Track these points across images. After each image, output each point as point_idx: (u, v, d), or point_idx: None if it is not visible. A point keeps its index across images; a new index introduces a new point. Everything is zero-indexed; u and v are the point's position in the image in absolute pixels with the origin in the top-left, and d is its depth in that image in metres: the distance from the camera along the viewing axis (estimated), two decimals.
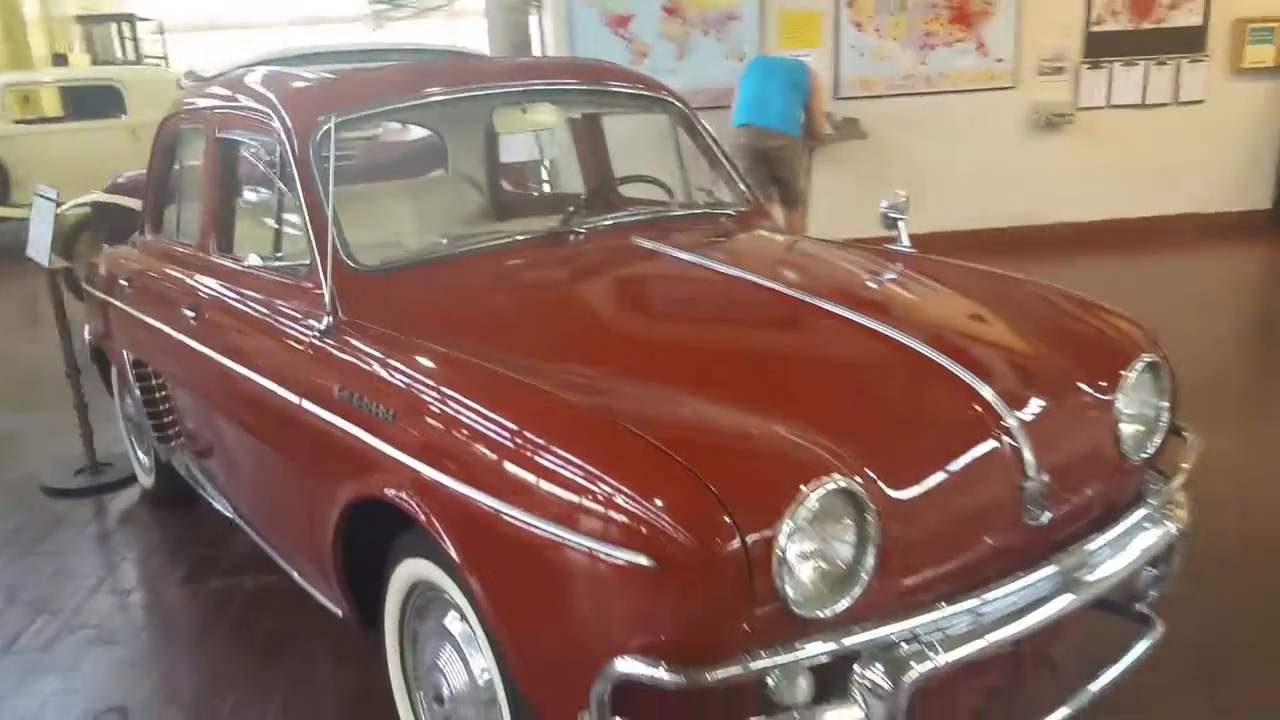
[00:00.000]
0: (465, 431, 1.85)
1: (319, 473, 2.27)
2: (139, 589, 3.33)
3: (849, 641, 1.61)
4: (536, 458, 1.71)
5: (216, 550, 3.51)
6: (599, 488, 1.61)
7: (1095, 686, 2.03)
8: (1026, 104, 8.01)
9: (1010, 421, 1.88)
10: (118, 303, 3.55)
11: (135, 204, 6.84)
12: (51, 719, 2.66)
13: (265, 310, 2.58)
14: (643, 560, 1.55)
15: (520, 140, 4.27)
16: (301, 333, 2.39)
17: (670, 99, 3.23)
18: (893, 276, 2.55)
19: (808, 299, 2.24)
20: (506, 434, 1.79)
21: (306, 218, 2.44)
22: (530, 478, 1.71)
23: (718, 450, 1.68)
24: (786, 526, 1.56)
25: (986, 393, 1.91)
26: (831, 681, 1.65)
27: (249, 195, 2.97)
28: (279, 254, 2.61)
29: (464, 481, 1.81)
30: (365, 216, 2.65)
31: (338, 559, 2.25)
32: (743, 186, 3.18)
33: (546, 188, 4.42)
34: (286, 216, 2.60)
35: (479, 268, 2.56)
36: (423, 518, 1.87)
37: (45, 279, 4.21)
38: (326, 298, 2.31)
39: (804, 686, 1.62)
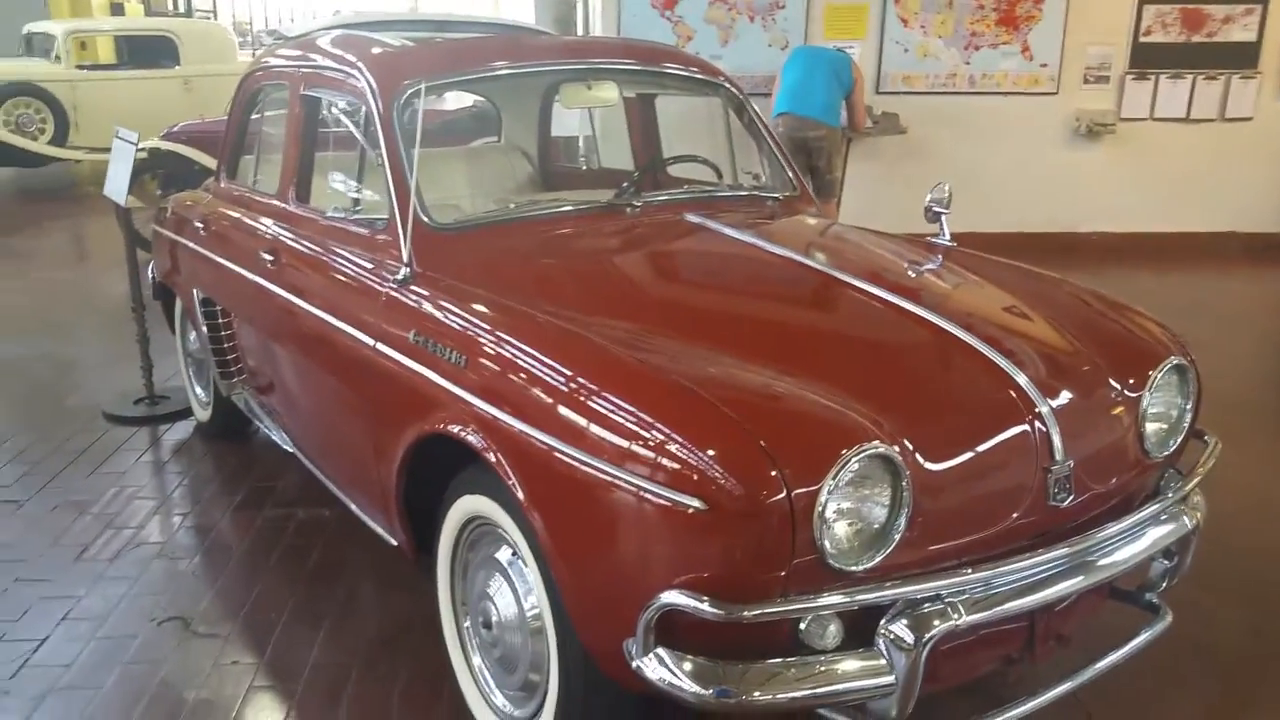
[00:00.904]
0: (535, 379, 2.02)
1: (388, 411, 2.45)
2: (196, 513, 3.53)
3: (878, 595, 1.77)
4: (602, 407, 1.88)
5: (269, 483, 3.72)
6: (661, 437, 1.77)
7: (1100, 665, 2.17)
8: (1068, 111, 8.01)
9: (1043, 409, 2.02)
10: (191, 244, 3.73)
11: (190, 152, 7.12)
12: (119, 620, 2.87)
13: (342, 258, 2.75)
14: (696, 504, 1.70)
15: (566, 117, 4.41)
16: (378, 281, 2.56)
17: (725, 84, 3.36)
18: (934, 266, 2.69)
19: (853, 281, 2.39)
20: (574, 384, 1.95)
21: (389, 175, 2.61)
22: (595, 425, 1.87)
23: (768, 410, 1.84)
24: (828, 485, 1.71)
25: (1021, 380, 2.05)
26: (858, 631, 1.81)
27: (330, 150, 3.13)
28: (357, 207, 2.77)
29: (531, 424, 1.97)
30: (428, 178, 2.81)
31: (399, 492, 2.43)
32: (790, 173, 3.32)
33: (593, 163, 4.55)
34: (366, 172, 2.77)
35: (543, 232, 2.73)
36: (492, 457, 2.04)
37: (119, 217, 4.41)
38: (405, 251, 2.47)
39: (833, 632, 1.78)
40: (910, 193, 7.39)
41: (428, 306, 2.37)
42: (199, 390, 4.19)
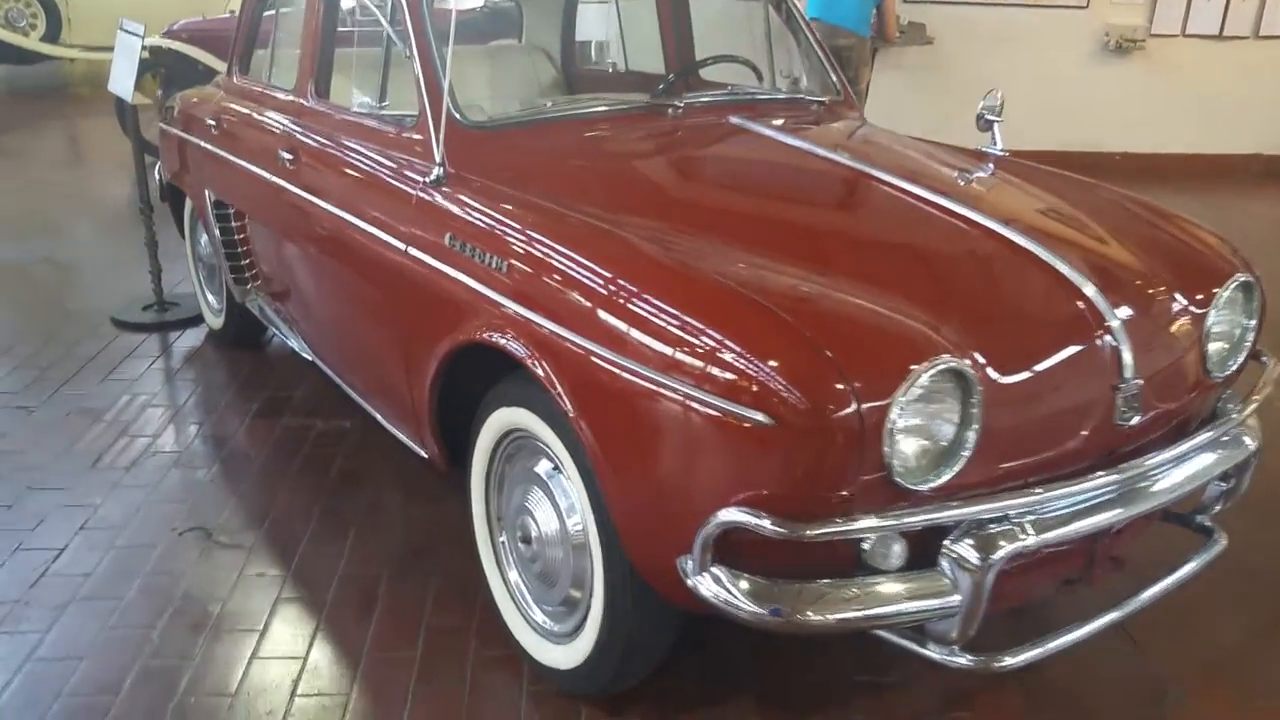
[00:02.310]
0: (584, 286, 1.91)
1: (420, 319, 2.34)
2: (212, 421, 3.45)
3: (948, 514, 1.69)
4: (657, 315, 1.77)
5: (286, 391, 3.63)
6: (722, 347, 1.67)
7: (1153, 591, 2.10)
8: (1098, 25, 7.79)
9: (1113, 322, 1.92)
10: (202, 142, 3.57)
11: (193, 51, 6.88)
12: (138, 529, 2.80)
13: (368, 158, 2.62)
14: (759, 417, 1.61)
15: (587, 19, 4.22)
16: (408, 182, 2.43)
17: None
18: (992, 175, 2.57)
19: (911, 188, 2.27)
20: (628, 292, 1.84)
21: (419, 69, 2.46)
22: (649, 334, 1.77)
23: (835, 320, 1.74)
24: (899, 400, 1.62)
25: (1091, 292, 1.95)
26: (920, 552, 1.74)
27: (353, 45, 2.96)
28: (383, 103, 2.63)
29: (580, 333, 1.87)
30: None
31: (433, 403, 2.34)
32: (834, 77, 3.17)
33: (619, 65, 4.38)
34: (392, 66, 2.62)
35: (582, 132, 2.59)
36: (538, 369, 1.94)
37: (124, 115, 4.26)
38: (437, 150, 2.34)
39: (898, 553, 1.71)
40: (935, 104, 7.20)
41: (464, 209, 2.25)
42: (210, 297, 4.07)
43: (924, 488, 1.69)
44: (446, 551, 2.69)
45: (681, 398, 1.71)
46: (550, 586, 2.19)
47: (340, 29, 2.99)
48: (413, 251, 2.34)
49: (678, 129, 2.65)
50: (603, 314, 1.86)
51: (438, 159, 2.34)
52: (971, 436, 1.71)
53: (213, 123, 3.49)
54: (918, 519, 1.68)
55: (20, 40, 9.96)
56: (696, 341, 1.71)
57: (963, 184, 2.46)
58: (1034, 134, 7.71)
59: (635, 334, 1.79)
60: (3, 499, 2.93)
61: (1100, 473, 1.86)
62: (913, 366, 1.65)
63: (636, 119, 2.69)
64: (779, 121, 2.69)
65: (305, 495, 2.99)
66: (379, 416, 2.79)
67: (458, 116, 2.42)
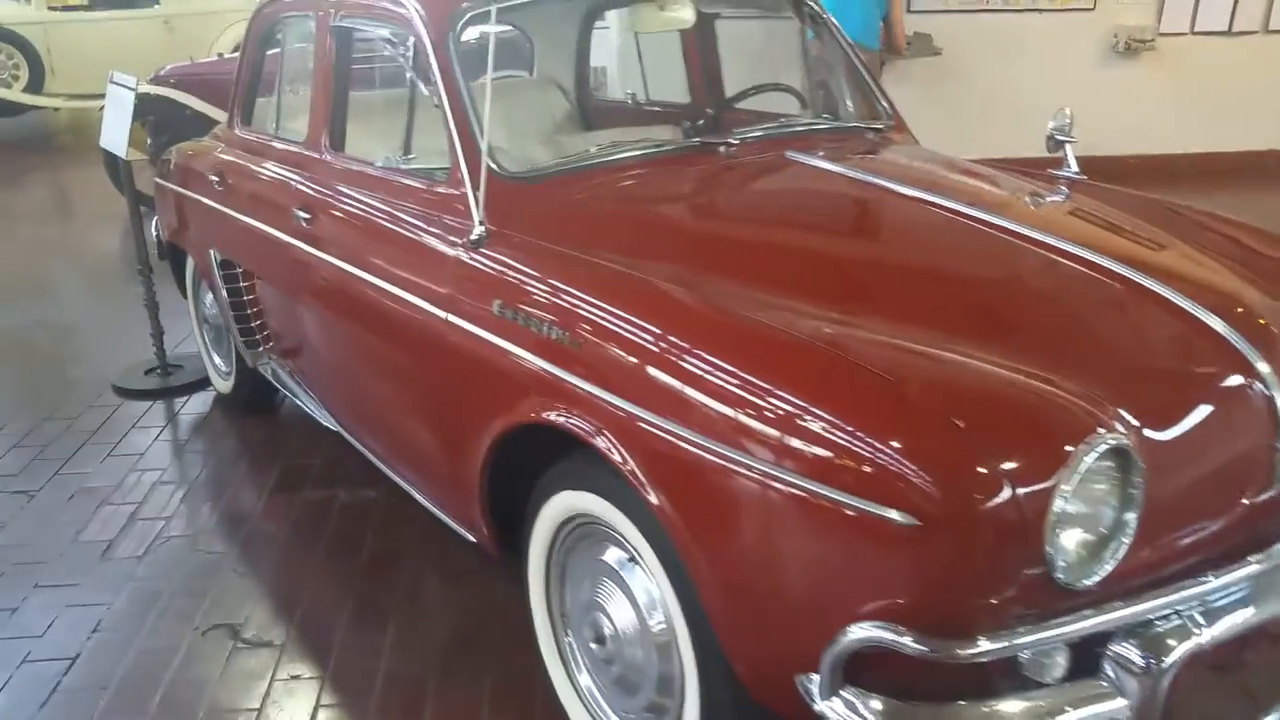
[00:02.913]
0: (667, 360, 1.67)
1: (467, 394, 2.11)
2: (227, 498, 3.20)
3: (1117, 616, 1.46)
4: (749, 391, 1.54)
5: (304, 460, 3.37)
6: (845, 433, 1.43)
7: None
8: (1106, 27, 7.62)
9: (1261, 367, 1.69)
10: (205, 199, 3.34)
11: (181, 97, 6.64)
12: (155, 629, 2.55)
13: (396, 216, 2.38)
14: (893, 515, 1.39)
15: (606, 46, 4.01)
16: (444, 243, 2.20)
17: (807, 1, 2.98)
18: (1084, 205, 2.34)
19: (1009, 225, 2.04)
20: (714, 366, 1.61)
21: (450, 120, 2.23)
22: (743, 413, 1.54)
23: (967, 391, 1.51)
24: (1061, 485, 1.39)
25: (1233, 336, 1.73)
26: (1076, 655, 1.50)
27: (370, 90, 2.74)
28: (409, 156, 2.40)
29: (664, 415, 1.63)
30: None
31: (483, 486, 2.10)
32: (885, 102, 2.95)
33: (640, 97, 4.16)
34: (418, 114, 2.39)
35: (630, 179, 2.35)
36: (616, 457, 1.70)
37: (119, 171, 4.02)
38: (477, 208, 2.11)
39: (1061, 663, 1.47)
40: (947, 118, 6.97)
41: (513, 272, 2.01)
42: (218, 359, 3.82)
43: (1088, 583, 1.45)
44: (497, 640, 2.44)
45: (792, 490, 1.47)
46: (631, 694, 1.94)
47: (356, 66, 2.76)
48: (454, 320, 2.10)
49: (733, 168, 2.42)
50: (688, 389, 1.62)
51: (478, 218, 2.11)
52: (1132, 520, 1.49)
53: (215, 178, 3.25)
54: (1086, 624, 1.44)
55: (3, 93, 9.74)
56: (802, 419, 1.48)
57: (1067, 217, 2.24)
58: (1043, 139, 7.53)
59: (727, 411, 1.56)
60: (6, 601, 2.67)
61: (1261, 552, 1.63)
62: (1068, 447, 1.42)
63: (688, 160, 2.45)
64: (843, 156, 2.45)
65: (336, 580, 2.74)
66: (419, 496, 2.54)
67: (495, 168, 2.19)
